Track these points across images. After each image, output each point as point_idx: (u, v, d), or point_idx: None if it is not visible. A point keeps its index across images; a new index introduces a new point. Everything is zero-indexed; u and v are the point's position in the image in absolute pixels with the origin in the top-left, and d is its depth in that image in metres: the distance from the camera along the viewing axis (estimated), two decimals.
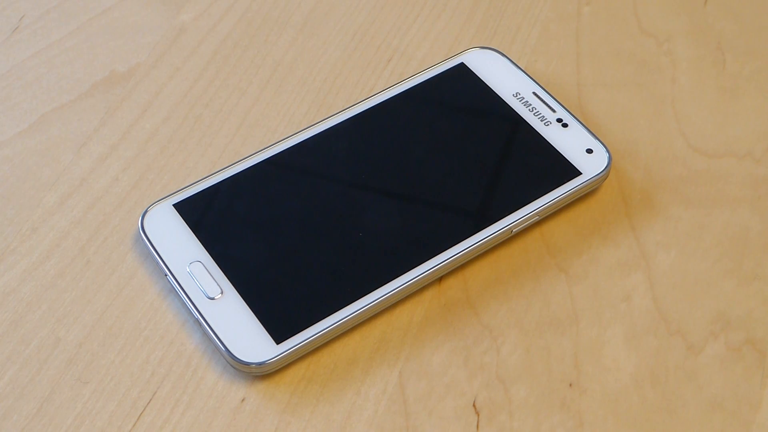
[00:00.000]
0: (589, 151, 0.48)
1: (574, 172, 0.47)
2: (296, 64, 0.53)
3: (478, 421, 0.41)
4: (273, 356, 0.41)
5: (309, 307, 0.43)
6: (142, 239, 0.45)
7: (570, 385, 0.42)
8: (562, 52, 0.53)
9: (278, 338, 0.42)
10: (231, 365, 0.42)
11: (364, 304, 0.43)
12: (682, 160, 0.49)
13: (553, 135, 0.48)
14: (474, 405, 0.41)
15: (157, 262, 0.44)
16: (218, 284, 0.43)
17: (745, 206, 0.47)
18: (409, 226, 0.45)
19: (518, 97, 0.50)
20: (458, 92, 0.50)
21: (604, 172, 0.47)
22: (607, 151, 0.48)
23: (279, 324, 0.42)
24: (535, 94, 0.50)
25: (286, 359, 0.42)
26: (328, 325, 0.42)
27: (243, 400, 0.41)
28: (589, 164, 0.47)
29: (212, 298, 0.43)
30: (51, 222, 0.47)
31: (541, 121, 0.49)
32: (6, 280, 0.45)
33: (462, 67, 0.51)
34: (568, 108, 0.49)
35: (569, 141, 0.48)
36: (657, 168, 0.49)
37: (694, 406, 0.41)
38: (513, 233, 0.45)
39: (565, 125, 0.48)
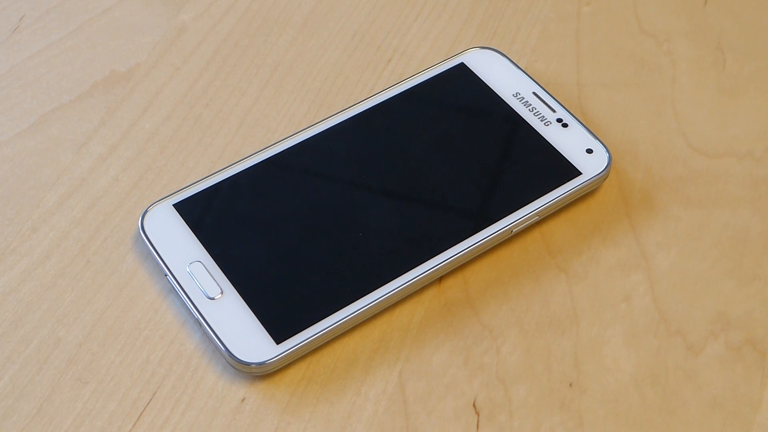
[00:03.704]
0: (589, 151, 0.48)
1: (574, 172, 0.47)
2: (296, 64, 0.53)
3: (478, 421, 0.41)
4: (273, 356, 0.41)
5: (309, 307, 0.43)
6: (142, 239, 0.45)
7: (570, 385, 0.42)
8: (562, 52, 0.53)
9: (278, 338, 0.42)
10: (231, 365, 0.42)
11: (364, 304, 0.43)
12: (682, 160, 0.49)
13: (553, 135, 0.48)
14: (474, 405, 0.41)
15: (157, 262, 0.44)
16: (218, 284, 0.43)
17: (745, 206, 0.47)
18: (409, 226, 0.45)
19: (518, 97, 0.50)
20: (458, 92, 0.50)
21: (604, 172, 0.47)
22: (607, 151, 0.48)
23: (279, 324, 0.42)
24: (535, 94, 0.50)
25: (286, 359, 0.42)
26: (328, 325, 0.42)
27: (243, 400, 0.41)
28: (589, 164, 0.47)
29: (212, 298, 0.43)
30: (51, 222, 0.47)
31: (541, 121, 0.49)
32: (6, 280, 0.45)
33: (462, 67, 0.51)
34: (568, 108, 0.49)
35: (569, 141, 0.48)
36: (657, 168, 0.49)
37: (694, 406, 0.41)
38: (513, 233, 0.45)
39: (565, 125, 0.48)
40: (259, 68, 0.53)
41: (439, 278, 0.45)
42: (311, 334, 0.42)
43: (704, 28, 0.54)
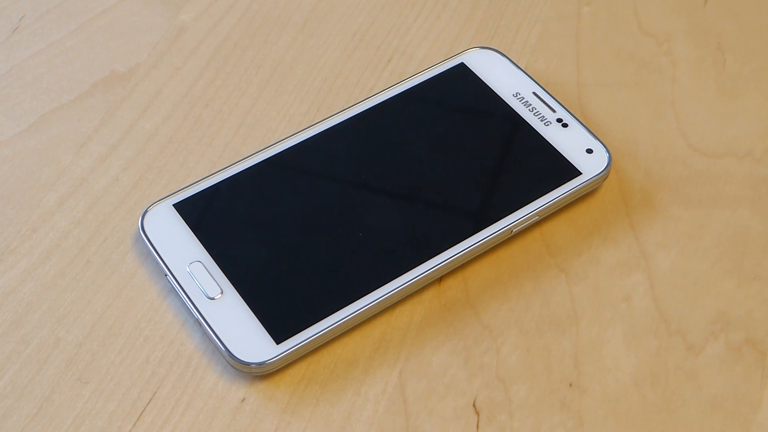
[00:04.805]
0: (589, 151, 0.48)
1: (574, 172, 0.47)
2: (296, 64, 0.53)
3: (478, 421, 0.41)
4: (273, 356, 0.41)
5: (309, 307, 0.43)
6: (142, 239, 0.45)
7: (570, 385, 0.42)
8: (562, 52, 0.53)
9: (278, 338, 0.42)
10: (231, 365, 0.42)
11: (364, 304, 0.43)
12: (682, 160, 0.49)
13: (553, 135, 0.48)
14: (474, 405, 0.41)
15: (157, 262, 0.44)
16: (218, 284, 0.43)
17: (745, 206, 0.47)
18: (409, 226, 0.45)
19: (518, 97, 0.50)
20: (458, 92, 0.50)
21: (604, 172, 0.47)
22: (607, 151, 0.48)
23: (279, 324, 0.42)
24: (535, 94, 0.50)
25: (286, 359, 0.42)
26: (328, 325, 0.42)
27: (243, 400, 0.41)
28: (589, 164, 0.47)
29: (212, 298, 0.43)
30: (51, 222, 0.47)
31: (541, 121, 0.49)
32: (6, 280, 0.45)
33: (462, 67, 0.51)
34: (568, 108, 0.49)
35: (569, 141, 0.48)
36: (657, 168, 0.49)
37: (694, 406, 0.41)
38: (513, 233, 0.45)
39: (565, 125, 0.48)
40: (259, 68, 0.53)
41: (439, 278, 0.45)
42: (311, 334, 0.42)
43: (704, 28, 0.54)
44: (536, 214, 0.46)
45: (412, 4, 0.56)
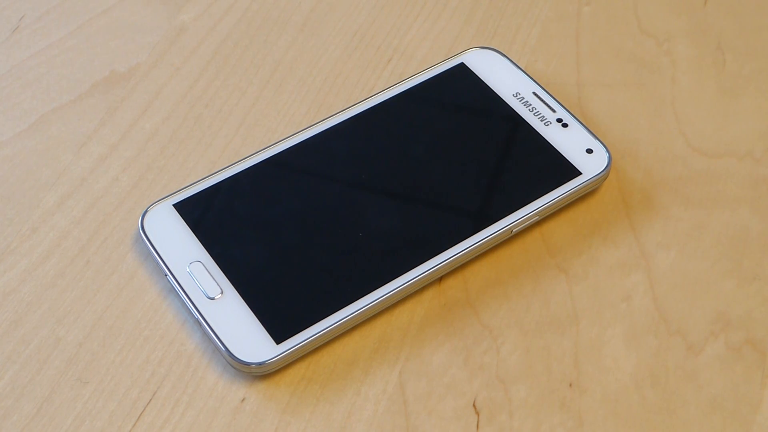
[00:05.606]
0: (589, 151, 0.48)
1: (574, 172, 0.47)
2: (296, 64, 0.53)
3: (478, 421, 0.41)
4: (273, 356, 0.41)
5: (309, 307, 0.43)
6: (142, 239, 0.45)
7: (570, 385, 0.42)
8: (562, 52, 0.53)
9: (278, 338, 0.42)
10: (231, 365, 0.42)
11: (364, 304, 0.43)
12: (682, 160, 0.49)
13: (553, 135, 0.48)
14: (474, 405, 0.41)
15: (157, 262, 0.44)
16: (218, 284, 0.43)
17: (745, 206, 0.47)
18: (409, 226, 0.45)
19: (518, 97, 0.50)
20: (458, 92, 0.50)
21: (604, 172, 0.47)
22: (607, 151, 0.48)
23: (279, 324, 0.42)
24: (535, 94, 0.50)
25: (286, 359, 0.42)
26: (328, 325, 0.42)
27: (243, 400, 0.41)
28: (589, 164, 0.47)
29: (212, 298, 0.43)
30: (51, 222, 0.47)
31: (541, 121, 0.49)
32: (6, 280, 0.45)
33: (462, 67, 0.51)
34: (568, 108, 0.49)
35: (569, 141, 0.48)
36: (657, 168, 0.49)
37: (694, 406, 0.41)
38: (513, 233, 0.45)
39: (565, 125, 0.48)
40: (259, 68, 0.53)
41: (439, 278, 0.45)
42: (311, 334, 0.42)
43: (704, 28, 0.54)
44: (536, 214, 0.46)
45: (412, 4, 0.56)
